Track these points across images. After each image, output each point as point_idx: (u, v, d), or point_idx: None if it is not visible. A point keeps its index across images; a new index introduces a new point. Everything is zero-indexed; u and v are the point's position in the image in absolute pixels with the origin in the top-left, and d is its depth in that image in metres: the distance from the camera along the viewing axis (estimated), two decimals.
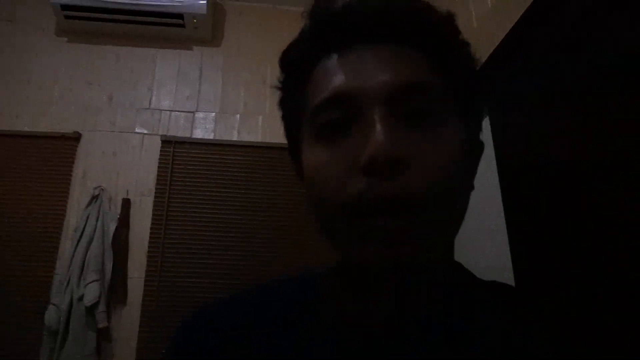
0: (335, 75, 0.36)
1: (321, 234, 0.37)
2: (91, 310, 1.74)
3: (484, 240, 1.38)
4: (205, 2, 2.16)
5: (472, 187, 0.40)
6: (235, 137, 2.14)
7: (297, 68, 0.40)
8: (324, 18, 0.38)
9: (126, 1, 2.10)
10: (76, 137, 2.03)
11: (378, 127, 0.32)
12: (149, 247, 1.94)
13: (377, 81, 0.34)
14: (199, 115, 2.16)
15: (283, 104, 0.44)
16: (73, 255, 1.82)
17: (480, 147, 0.42)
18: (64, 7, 2.08)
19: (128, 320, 1.84)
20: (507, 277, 1.20)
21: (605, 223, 0.90)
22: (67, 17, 2.12)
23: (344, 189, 0.33)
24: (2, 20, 2.17)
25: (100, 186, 1.95)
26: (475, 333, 0.37)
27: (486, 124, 1.39)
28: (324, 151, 0.35)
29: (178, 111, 2.16)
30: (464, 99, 0.38)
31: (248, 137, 2.14)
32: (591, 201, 0.94)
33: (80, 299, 1.74)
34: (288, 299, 0.44)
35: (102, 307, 1.75)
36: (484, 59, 1.28)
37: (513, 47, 1.21)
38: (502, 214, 1.27)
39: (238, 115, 2.17)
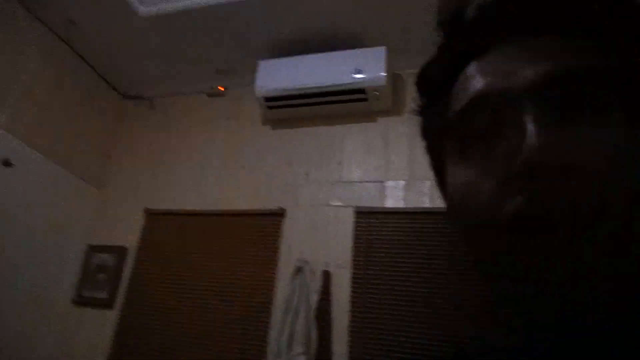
0: (474, 79, 0.31)
1: (476, 271, 0.31)
2: None
3: None
4: (384, 74, 2.23)
5: None
6: (427, 204, 2.05)
7: (436, 87, 0.36)
8: (457, 28, 0.34)
9: (315, 86, 2.32)
10: (281, 213, 2.22)
11: (530, 127, 0.26)
12: (350, 321, 1.92)
13: (525, 75, 0.28)
14: (389, 184, 2.16)
15: (425, 131, 0.40)
16: (282, 327, 1.91)
17: None
18: (267, 99, 2.40)
19: None
20: None
21: None
22: (269, 107, 2.43)
23: (497, 207, 0.26)
24: (228, 118, 2.62)
25: (303, 258, 2.05)
26: None
27: None
28: (467, 168, 0.30)
29: (368, 182, 2.20)
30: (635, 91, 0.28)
31: (441, 204, 2.02)
32: None
33: None
34: None
35: None
36: None
37: None
38: None
39: (429, 182, 2.09)
